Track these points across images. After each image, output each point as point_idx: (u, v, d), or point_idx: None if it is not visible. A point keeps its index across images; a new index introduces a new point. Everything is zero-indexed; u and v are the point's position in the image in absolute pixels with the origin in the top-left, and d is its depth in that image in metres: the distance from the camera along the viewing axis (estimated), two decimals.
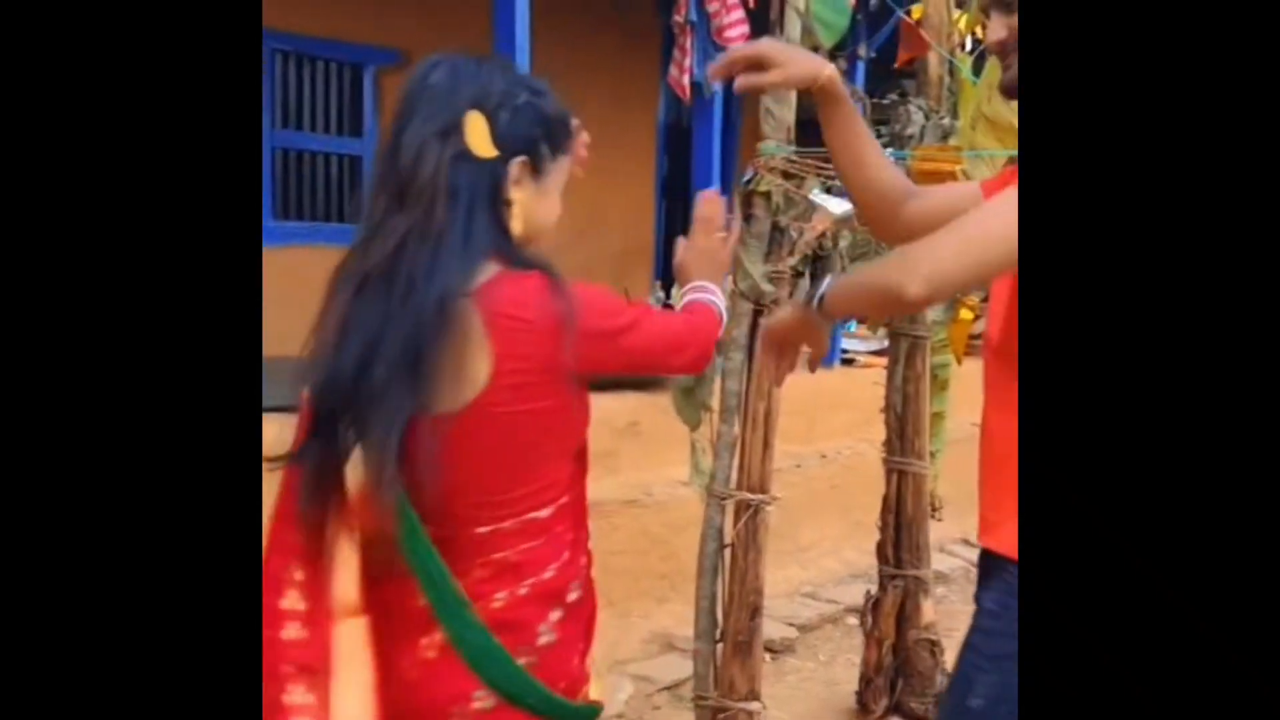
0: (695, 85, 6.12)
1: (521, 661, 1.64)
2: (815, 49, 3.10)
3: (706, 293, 1.94)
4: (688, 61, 6.07)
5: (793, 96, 3.11)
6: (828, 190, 3.61)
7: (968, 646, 1.92)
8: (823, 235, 3.40)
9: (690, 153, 6.87)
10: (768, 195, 3.06)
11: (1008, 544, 1.77)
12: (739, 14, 5.94)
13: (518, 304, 1.57)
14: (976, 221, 1.62)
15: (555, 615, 1.68)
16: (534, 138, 1.68)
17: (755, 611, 3.10)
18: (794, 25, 3.04)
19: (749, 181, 3.09)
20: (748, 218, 3.11)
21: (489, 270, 1.59)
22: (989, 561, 1.91)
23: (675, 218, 8.48)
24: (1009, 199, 1.56)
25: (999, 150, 3.33)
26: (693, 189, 6.67)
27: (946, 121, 3.82)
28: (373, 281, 1.56)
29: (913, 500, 4.15)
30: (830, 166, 3.23)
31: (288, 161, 7.09)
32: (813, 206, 3.19)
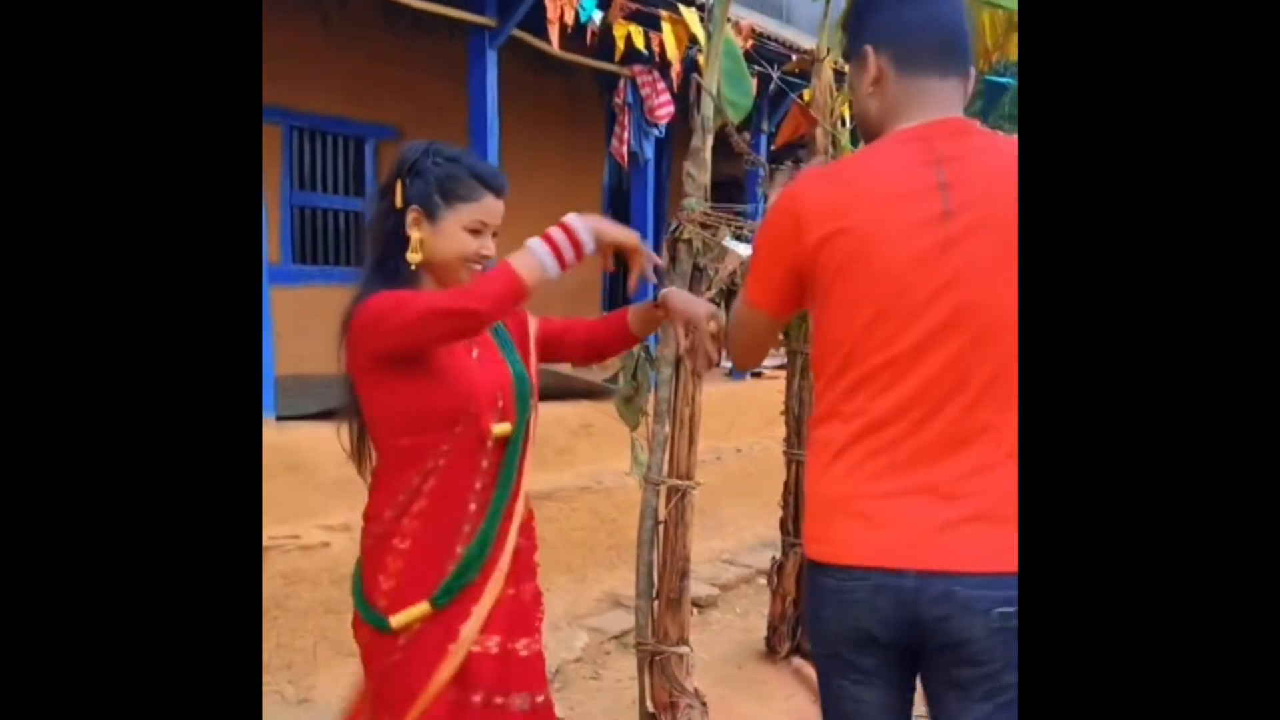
0: (632, 155, 6.13)
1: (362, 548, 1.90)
2: (723, 125, 3.12)
3: (525, 251, 1.81)
4: (626, 135, 6.07)
5: (708, 162, 3.12)
6: (737, 237, 3.63)
7: None
8: (733, 273, 3.42)
9: (629, 208, 6.88)
10: (689, 242, 3.07)
11: None
12: (666, 97, 5.96)
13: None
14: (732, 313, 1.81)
15: (370, 533, 1.88)
16: (428, 193, 1.85)
17: (684, 574, 3.09)
18: (708, 105, 3.05)
19: (674, 231, 3.10)
20: (673, 260, 3.11)
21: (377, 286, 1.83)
22: None
23: (618, 260, 8.49)
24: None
25: None
26: None
27: None
28: None
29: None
30: (738, 218, 3.25)
31: (304, 217, 7.00)
32: (724, 250, 3.20)
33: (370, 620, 1.83)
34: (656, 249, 3.17)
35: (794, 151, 4.79)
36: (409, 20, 4.98)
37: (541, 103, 6.89)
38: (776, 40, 6.32)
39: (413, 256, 1.84)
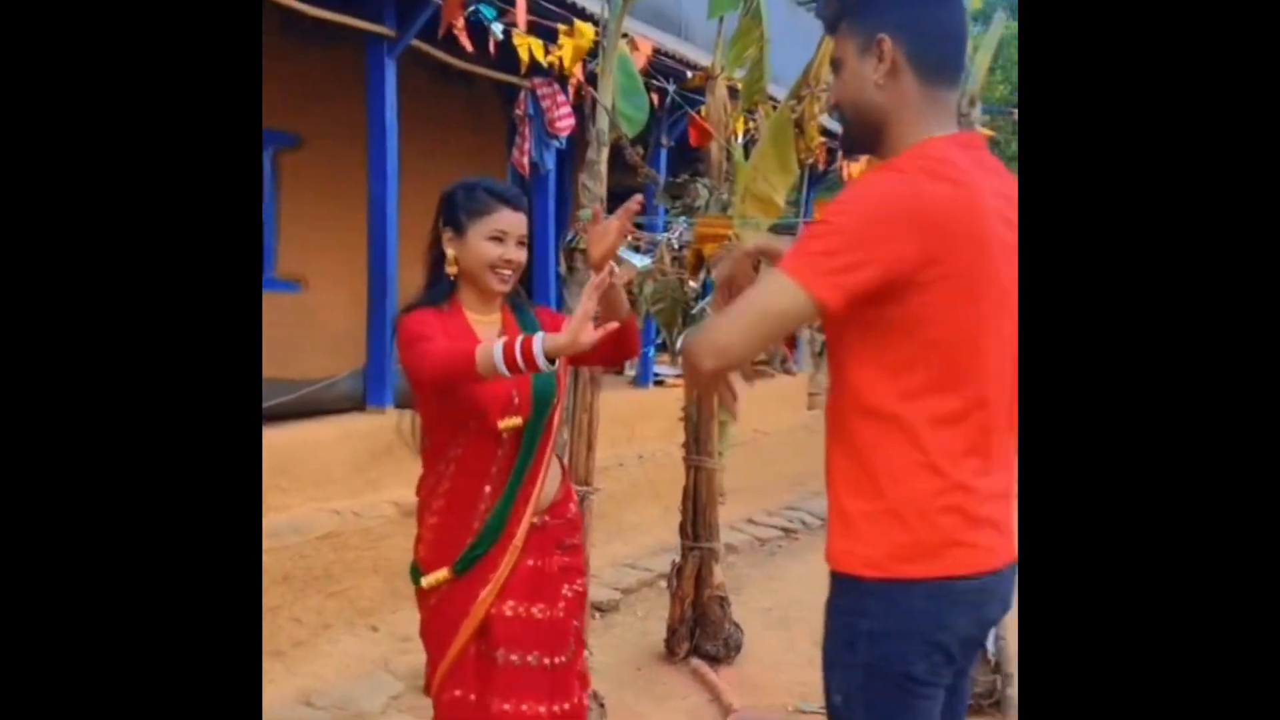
0: (534, 165, 6.15)
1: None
2: (618, 138, 3.17)
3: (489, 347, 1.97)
4: (527, 146, 6.09)
5: (604, 174, 3.17)
6: (635, 248, 3.68)
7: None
8: (629, 284, 3.47)
9: (531, 217, 6.88)
10: (585, 251, 3.11)
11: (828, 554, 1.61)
12: (567, 109, 6.00)
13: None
14: (748, 299, 1.52)
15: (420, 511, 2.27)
16: (455, 214, 2.20)
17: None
18: (603, 119, 3.10)
19: (571, 241, 3.14)
20: (570, 269, 3.15)
21: None
22: None
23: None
24: (766, 276, 1.52)
25: (762, 219, 3.44)
26: (534, 245, 6.67)
27: (726, 196, 3.94)
28: None
29: (706, 489, 4.24)
30: (635, 230, 3.30)
31: None
32: (620, 260, 3.25)
33: (413, 578, 2.25)
34: (556, 259, 3.20)
35: (692, 165, 4.88)
36: (307, 28, 4.91)
37: (442, 112, 6.85)
38: (673, 56, 6.41)
39: (449, 269, 2.20)
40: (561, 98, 5.98)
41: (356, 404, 5.01)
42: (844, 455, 1.58)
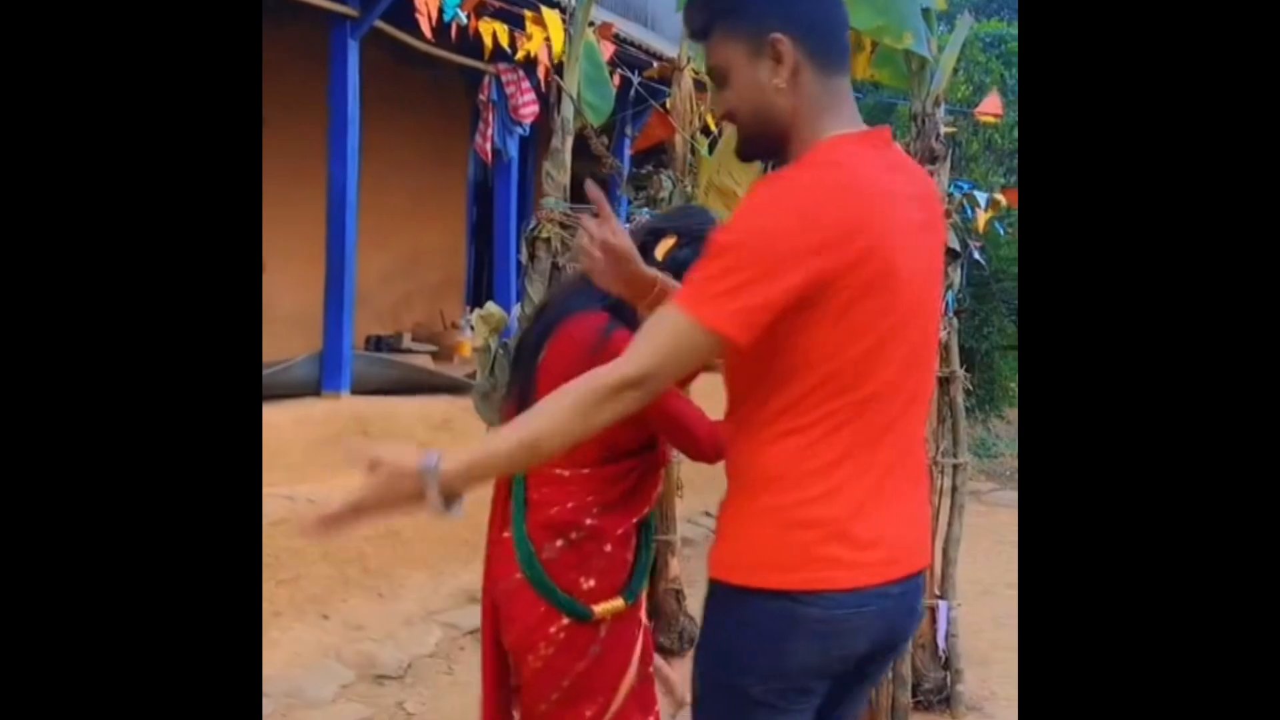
0: (496, 152, 6.11)
1: (542, 558, 1.96)
2: (583, 127, 3.15)
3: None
4: (490, 132, 6.05)
5: (568, 163, 3.15)
6: None
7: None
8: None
9: (493, 204, 6.85)
10: (548, 240, 3.09)
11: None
12: (531, 96, 5.96)
13: None
14: (652, 330, 1.38)
15: (557, 542, 1.97)
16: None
17: None
18: (568, 107, 3.08)
19: (534, 229, 3.12)
20: (533, 258, 3.13)
21: None
22: None
23: (482, 255, 8.43)
24: (666, 312, 1.37)
25: (725, 212, 3.44)
26: (496, 232, 6.65)
27: (689, 189, 3.94)
28: None
29: (663, 481, 4.24)
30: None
31: None
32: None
33: (570, 611, 1.96)
34: (517, 247, 3.18)
35: (656, 156, 4.87)
36: (269, 6, 4.84)
37: (405, 96, 6.79)
38: (640, 46, 6.40)
39: None
40: (526, 84, 5.95)
41: (312, 389, 4.95)
42: (731, 455, 1.52)
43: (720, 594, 1.47)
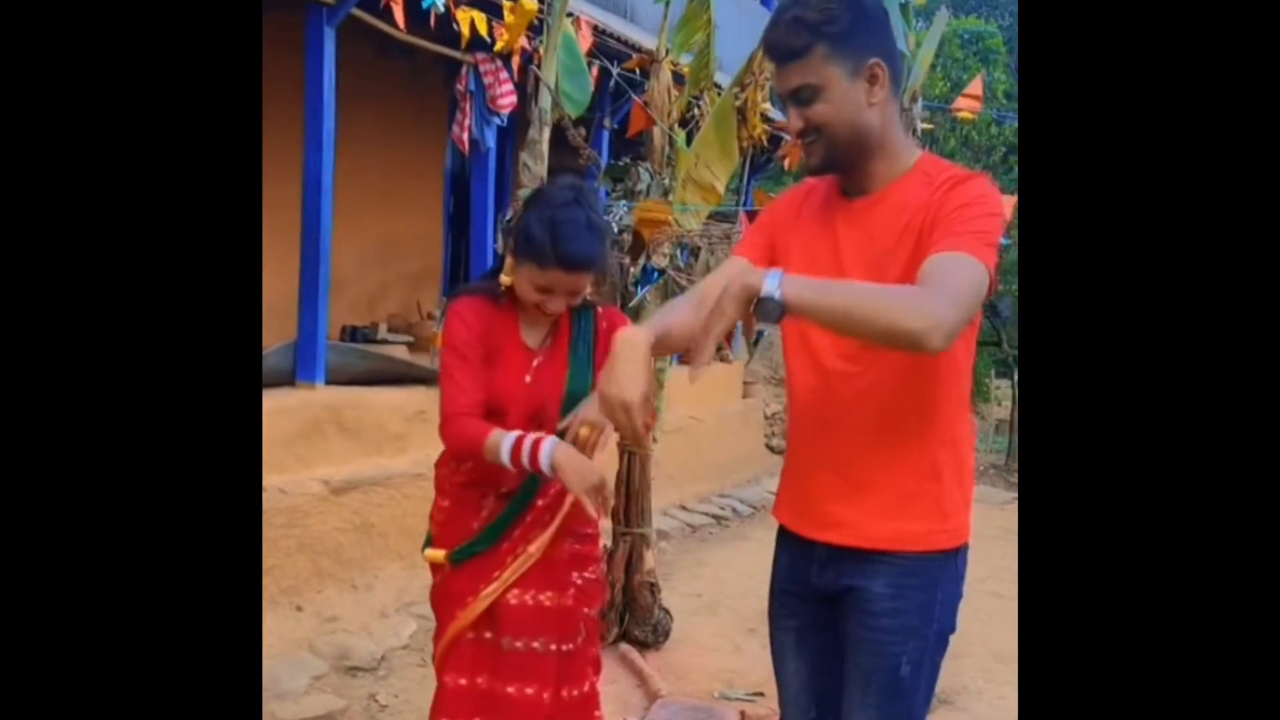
0: (474, 142, 6.08)
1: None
2: (561, 118, 3.14)
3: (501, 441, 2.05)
4: (467, 122, 6.02)
5: (545, 154, 3.15)
6: None
7: (868, 630, 1.73)
8: None
9: (470, 195, 6.82)
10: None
11: (882, 539, 1.70)
12: (509, 86, 5.94)
13: None
14: (956, 275, 1.51)
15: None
16: (515, 242, 2.09)
17: None
18: (545, 98, 3.08)
19: (510, 220, 3.11)
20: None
21: None
22: (856, 555, 1.72)
23: (459, 245, 8.40)
24: (960, 253, 1.53)
25: (702, 205, 3.45)
26: (473, 223, 6.62)
27: (667, 181, 3.94)
28: None
29: (639, 475, 4.25)
30: None
31: None
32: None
33: (425, 544, 2.25)
34: (495, 238, 3.17)
35: (634, 149, 4.87)
36: None
37: (381, 85, 6.74)
38: (618, 37, 6.38)
39: (503, 279, 2.13)
40: (504, 74, 5.92)
41: (286, 378, 4.92)
42: (917, 436, 1.70)
43: (942, 560, 1.73)
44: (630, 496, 4.24)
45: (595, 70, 3.88)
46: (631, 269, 3.55)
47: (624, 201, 3.78)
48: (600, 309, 2.31)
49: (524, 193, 3.10)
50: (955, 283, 1.48)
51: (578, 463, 2.00)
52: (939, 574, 1.72)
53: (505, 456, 2.00)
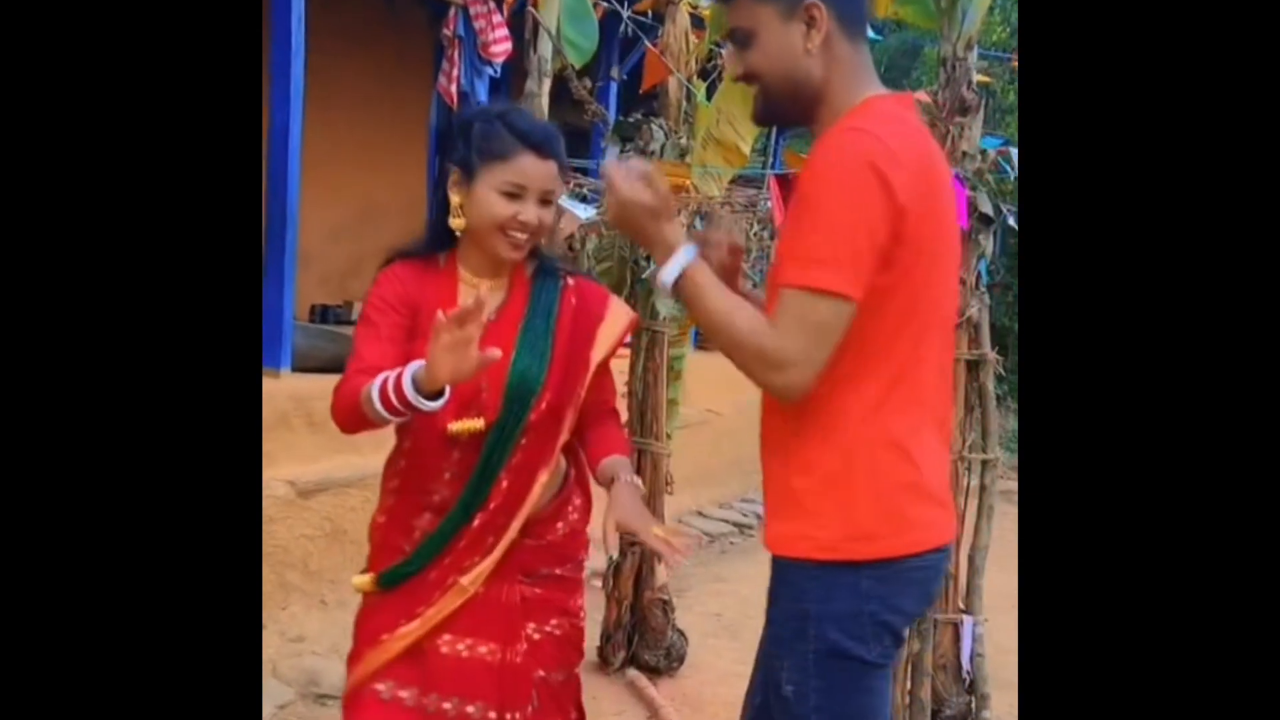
0: (463, 94, 6.08)
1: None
2: (563, 68, 3.13)
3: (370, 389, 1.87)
4: (455, 72, 6.02)
5: (545, 109, 3.13)
6: (581, 198, 3.66)
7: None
8: (571, 237, 3.45)
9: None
10: None
11: (767, 539, 1.76)
12: (504, 32, 5.93)
13: None
14: (800, 324, 1.58)
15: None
16: (466, 151, 1.94)
17: None
18: (545, 45, 3.07)
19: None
20: None
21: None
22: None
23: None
24: (797, 290, 1.58)
25: (725, 168, 3.43)
26: None
27: (684, 141, 3.92)
28: None
29: (651, 476, 4.24)
30: (578, 174, 3.28)
31: None
32: (561, 210, 3.22)
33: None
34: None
35: (647, 103, 4.85)
36: None
37: (358, 29, 6.74)
38: None
39: (454, 222, 1.97)
40: (498, 18, 5.91)
41: None
42: (796, 434, 1.69)
43: (815, 572, 1.69)
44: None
45: (601, 12, 3.85)
46: None
47: None
48: (571, 278, 2.15)
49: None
50: (801, 333, 1.58)
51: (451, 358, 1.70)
52: (807, 585, 1.69)
53: (377, 403, 1.78)
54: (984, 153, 3.13)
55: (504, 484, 1.99)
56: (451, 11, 5.98)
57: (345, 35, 6.42)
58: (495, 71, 6.17)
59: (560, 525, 2.11)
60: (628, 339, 2.14)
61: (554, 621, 2.09)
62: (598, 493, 2.14)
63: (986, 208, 3.12)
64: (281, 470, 4.51)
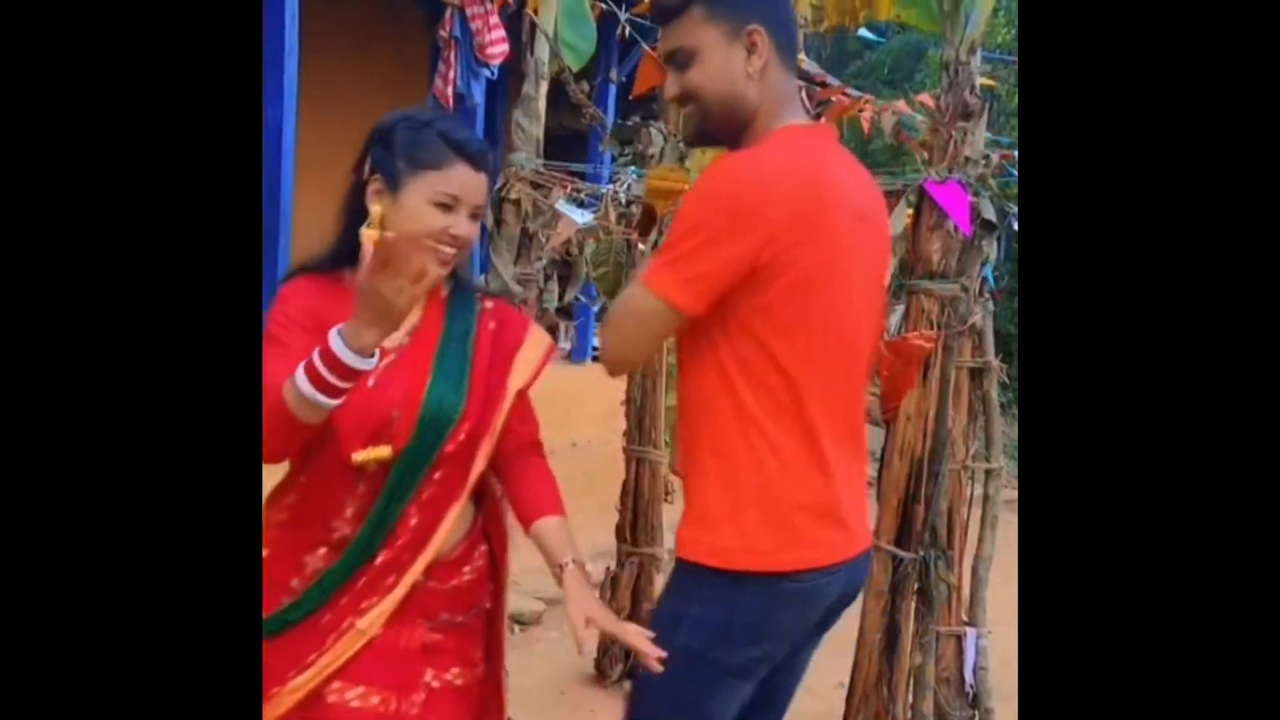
0: (459, 97, 6.07)
1: None
2: (560, 71, 3.12)
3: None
4: (452, 74, 6.01)
5: (542, 112, 3.12)
6: (579, 203, 3.64)
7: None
8: (568, 242, 3.43)
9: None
10: (518, 203, 3.06)
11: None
12: (501, 33, 5.92)
13: None
14: (623, 312, 1.77)
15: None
16: (390, 158, 1.84)
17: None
18: (543, 48, 3.05)
19: (501, 189, 3.08)
20: (499, 223, 3.10)
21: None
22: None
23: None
24: (637, 284, 1.73)
25: None
26: None
27: (682, 145, 3.90)
28: None
29: (649, 485, 4.23)
30: (575, 179, 3.26)
31: None
32: (557, 215, 3.21)
33: None
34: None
35: (646, 106, 4.84)
36: None
37: (353, 30, 6.73)
38: None
39: (368, 234, 1.77)
40: (495, 19, 5.90)
41: None
42: (699, 446, 1.79)
43: (704, 577, 1.75)
44: (638, 510, 4.22)
45: (599, 14, 3.84)
46: (641, 247, 3.52)
47: (633, 168, 3.76)
48: (490, 301, 2.03)
49: (518, 158, 3.07)
50: (622, 321, 1.76)
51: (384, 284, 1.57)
52: (691, 587, 1.78)
53: (306, 386, 1.62)
54: (988, 157, 3.10)
55: (412, 520, 1.86)
56: (448, 13, 5.97)
57: (342, 35, 6.41)
58: (492, 74, 6.17)
59: (467, 570, 1.97)
60: (545, 367, 2.02)
61: (454, 670, 1.95)
62: (514, 528, 2.04)
63: (989, 213, 3.09)
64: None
